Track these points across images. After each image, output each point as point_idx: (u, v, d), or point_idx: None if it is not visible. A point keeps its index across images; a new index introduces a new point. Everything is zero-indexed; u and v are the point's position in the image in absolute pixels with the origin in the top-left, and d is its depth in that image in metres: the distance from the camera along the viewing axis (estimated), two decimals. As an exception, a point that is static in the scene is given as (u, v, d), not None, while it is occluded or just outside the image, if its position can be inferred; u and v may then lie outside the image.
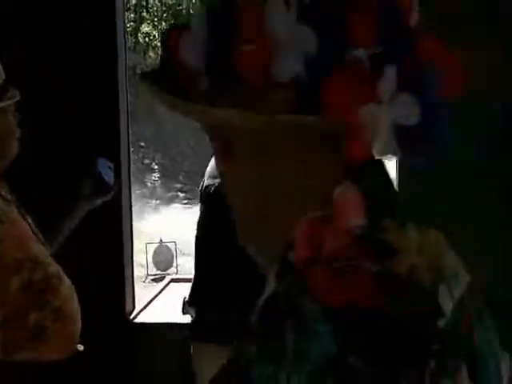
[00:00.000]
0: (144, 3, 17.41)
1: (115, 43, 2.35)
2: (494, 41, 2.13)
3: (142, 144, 13.76)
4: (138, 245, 10.63)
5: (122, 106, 2.44)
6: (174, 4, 18.31)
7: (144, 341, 2.40)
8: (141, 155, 13.43)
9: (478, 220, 2.21)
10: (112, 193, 1.99)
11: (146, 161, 14.13)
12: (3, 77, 1.65)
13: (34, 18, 2.29)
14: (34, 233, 1.73)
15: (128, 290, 2.47)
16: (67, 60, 2.29)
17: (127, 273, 2.46)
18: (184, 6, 18.33)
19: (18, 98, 1.67)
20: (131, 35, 17.76)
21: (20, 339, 1.61)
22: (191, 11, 17.16)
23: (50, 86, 1.87)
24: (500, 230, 2.22)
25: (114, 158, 2.40)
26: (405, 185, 2.20)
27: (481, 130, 2.17)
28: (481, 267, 2.22)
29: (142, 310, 2.53)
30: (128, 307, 2.48)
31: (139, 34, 17.73)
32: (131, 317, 2.47)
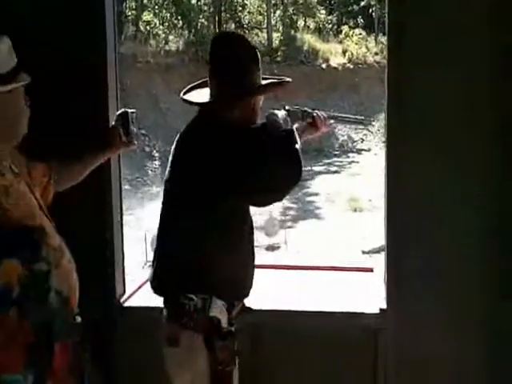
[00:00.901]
0: (145, -10, 17.37)
1: (104, 32, 2.34)
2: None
3: (143, 132, 13.77)
4: (137, 232, 10.75)
5: (112, 92, 2.42)
6: (174, -9, 18.26)
7: (133, 323, 2.42)
8: (141, 142, 13.44)
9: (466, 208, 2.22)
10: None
11: (147, 149, 14.14)
12: (15, 60, 1.76)
13: (18, 8, 2.30)
14: (41, 207, 1.82)
15: (118, 274, 2.50)
16: (52, 51, 2.28)
17: (117, 257, 2.48)
18: (185, -6, 18.32)
19: (28, 81, 1.77)
20: (132, 24, 17.74)
21: None
22: (192, -1, 17.20)
23: (36, 78, 1.87)
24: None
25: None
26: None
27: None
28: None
29: (132, 294, 2.55)
30: (119, 290, 2.50)
31: (140, 23, 17.70)
32: (121, 300, 2.50)
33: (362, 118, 2.41)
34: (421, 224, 2.23)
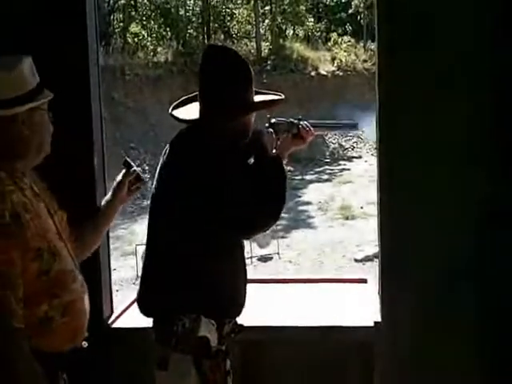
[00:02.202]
0: (133, 2, 17.34)
1: (86, 43, 2.30)
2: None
3: (133, 145, 13.71)
4: (129, 247, 10.68)
5: (95, 109, 2.37)
6: (162, 3, 18.24)
7: (122, 346, 2.36)
8: (131, 156, 13.36)
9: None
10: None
11: (137, 162, 14.07)
12: (38, 78, 1.79)
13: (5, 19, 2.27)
14: (58, 231, 1.82)
15: (105, 295, 2.43)
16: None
17: (104, 277, 2.42)
18: (172, 5, 18.29)
19: (51, 97, 1.80)
20: (120, 36, 17.70)
21: (32, 325, 1.69)
22: (179, 9, 17.15)
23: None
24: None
25: (88, 160, 2.36)
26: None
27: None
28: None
29: (120, 315, 2.48)
30: (106, 312, 2.44)
31: (128, 35, 17.67)
32: (109, 322, 2.43)
33: (350, 121, 2.36)
34: (415, 234, 2.19)
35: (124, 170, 2.11)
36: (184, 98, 2.09)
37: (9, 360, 1.63)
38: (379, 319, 2.24)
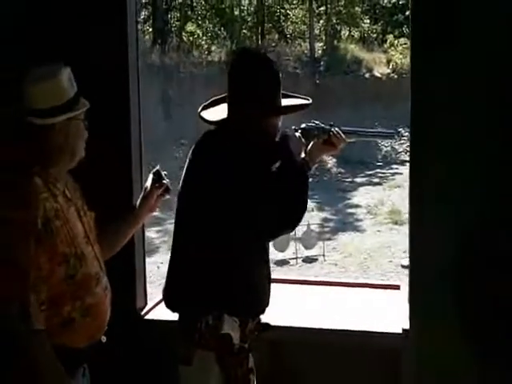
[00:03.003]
0: (189, 2, 17.57)
1: (126, 38, 2.34)
2: None
3: (183, 142, 13.90)
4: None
5: (134, 98, 2.42)
6: (217, 2, 18.41)
7: (153, 337, 2.42)
8: (181, 153, 13.54)
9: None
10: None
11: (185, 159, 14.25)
12: (75, 88, 1.86)
13: (43, 19, 2.34)
14: (86, 234, 1.89)
15: (139, 286, 2.49)
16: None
17: (139, 269, 2.48)
18: (227, 5, 18.45)
19: (88, 107, 1.87)
20: (176, 35, 17.97)
21: (54, 325, 1.78)
22: (234, 10, 17.30)
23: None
24: None
25: (125, 157, 2.42)
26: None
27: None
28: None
29: (154, 307, 2.54)
30: (139, 303, 2.50)
31: (183, 33, 17.92)
32: (142, 313, 2.49)
33: (388, 131, 2.33)
34: (446, 242, 2.16)
35: (153, 179, 2.14)
36: (213, 99, 2.12)
37: (32, 360, 1.70)
38: (408, 326, 2.22)
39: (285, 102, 2.02)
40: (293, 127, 2.12)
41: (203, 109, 2.08)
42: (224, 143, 1.94)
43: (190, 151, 2.03)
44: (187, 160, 2.02)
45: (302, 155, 2.07)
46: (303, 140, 2.10)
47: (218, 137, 1.98)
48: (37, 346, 1.71)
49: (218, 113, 2.02)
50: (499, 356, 2.13)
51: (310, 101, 2.07)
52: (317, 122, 2.17)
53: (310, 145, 2.11)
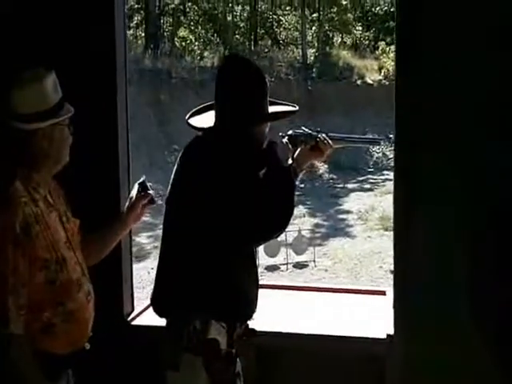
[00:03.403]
0: (182, 7, 17.60)
1: (113, 39, 2.35)
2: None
3: (176, 147, 13.90)
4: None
5: (121, 104, 2.43)
6: (210, 8, 18.45)
7: (140, 343, 2.42)
8: (173, 158, 13.55)
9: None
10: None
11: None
12: (60, 94, 1.86)
13: (30, 23, 2.35)
14: (68, 240, 1.89)
15: (126, 292, 2.50)
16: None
17: (125, 275, 2.49)
18: (220, 11, 18.48)
19: (72, 113, 1.87)
20: (168, 40, 17.99)
21: (34, 330, 1.78)
22: (227, 15, 17.34)
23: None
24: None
25: (112, 163, 2.43)
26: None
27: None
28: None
29: (141, 312, 2.55)
30: (126, 309, 2.51)
31: (176, 39, 17.94)
32: (129, 318, 2.50)
33: (373, 137, 2.35)
34: (431, 247, 2.18)
35: (137, 190, 2.16)
36: (201, 106, 2.14)
37: (10, 365, 1.71)
38: (392, 332, 2.24)
39: (271, 108, 2.04)
40: (280, 134, 2.14)
41: (192, 115, 2.10)
42: (212, 149, 1.96)
43: (179, 156, 2.05)
44: (176, 165, 2.04)
45: (290, 161, 2.09)
46: (290, 146, 2.12)
47: (206, 143, 2.01)
48: (15, 351, 1.72)
49: (207, 119, 2.04)
50: (486, 361, 2.16)
51: (297, 108, 2.10)
52: (304, 129, 2.19)
53: (297, 151, 2.13)
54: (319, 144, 2.14)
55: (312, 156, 2.15)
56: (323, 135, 2.16)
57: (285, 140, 2.12)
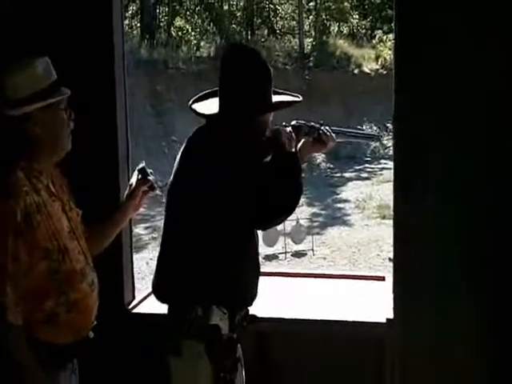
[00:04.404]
0: (177, -4, 17.49)
1: (111, 33, 2.35)
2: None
3: (174, 138, 13.87)
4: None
5: (120, 94, 2.43)
6: (206, -3, 18.36)
7: (141, 330, 2.44)
8: (172, 149, 13.52)
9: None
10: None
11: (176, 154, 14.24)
12: (54, 77, 1.83)
13: (28, 14, 2.35)
14: (72, 229, 1.88)
15: (127, 280, 2.52)
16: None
17: (126, 263, 2.50)
18: (216, 0, 18.39)
19: (68, 94, 1.83)
20: (164, 30, 17.91)
21: (36, 320, 1.79)
22: (223, 5, 17.28)
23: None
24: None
25: (112, 153, 2.43)
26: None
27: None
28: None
29: (142, 301, 2.57)
30: (127, 297, 2.52)
31: (172, 28, 17.86)
32: (130, 307, 2.52)
33: (373, 133, 2.37)
34: (430, 234, 2.20)
35: (138, 177, 2.15)
36: (205, 92, 2.14)
37: (6, 356, 1.71)
38: (392, 316, 2.26)
39: (275, 98, 2.06)
40: (283, 123, 2.15)
41: (194, 102, 2.10)
42: (216, 138, 1.97)
43: (182, 147, 2.06)
44: (179, 155, 2.05)
45: (293, 151, 2.10)
46: (294, 136, 2.13)
47: (210, 132, 2.01)
48: (13, 341, 1.72)
49: (209, 107, 2.04)
50: (484, 344, 2.18)
51: (301, 98, 2.11)
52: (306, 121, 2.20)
53: (301, 142, 2.14)
54: (322, 136, 2.15)
55: (314, 148, 2.17)
56: (326, 128, 2.17)
57: (288, 129, 2.13)
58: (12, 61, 1.83)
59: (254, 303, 2.08)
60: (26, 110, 1.77)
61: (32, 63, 1.81)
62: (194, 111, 2.07)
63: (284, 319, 2.36)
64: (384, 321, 2.27)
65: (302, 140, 2.14)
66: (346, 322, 2.33)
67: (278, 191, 1.93)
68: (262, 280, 2.12)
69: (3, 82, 1.80)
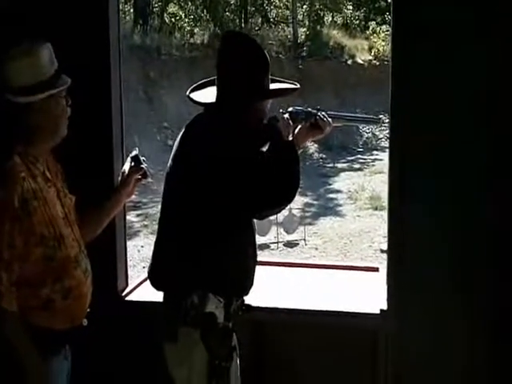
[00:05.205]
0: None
1: (107, 18, 2.32)
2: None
3: (166, 125, 13.82)
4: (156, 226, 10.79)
5: (115, 80, 2.40)
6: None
7: (136, 317, 2.43)
8: (163, 136, 13.48)
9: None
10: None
11: (170, 142, 14.20)
12: (56, 65, 1.83)
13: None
14: (66, 216, 1.88)
15: (120, 268, 2.50)
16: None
17: (119, 251, 2.48)
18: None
19: (69, 84, 1.84)
20: (157, 16, 17.79)
21: (32, 306, 1.79)
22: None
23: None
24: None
25: (106, 140, 2.41)
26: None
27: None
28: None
29: (135, 288, 2.56)
30: (121, 285, 2.51)
31: (165, 15, 17.74)
32: (123, 294, 2.51)
33: (372, 116, 2.36)
34: (423, 224, 2.20)
35: (131, 164, 2.15)
36: (203, 81, 2.13)
37: (2, 341, 1.71)
38: (385, 307, 2.26)
39: (273, 86, 2.05)
40: (280, 110, 2.15)
41: (192, 91, 2.09)
42: (213, 125, 1.96)
43: (180, 134, 2.04)
44: (177, 141, 2.04)
45: (290, 138, 2.10)
46: (291, 122, 2.12)
47: (208, 119, 2.00)
48: (8, 327, 1.72)
49: (207, 95, 2.03)
50: (477, 334, 2.19)
51: (298, 86, 2.10)
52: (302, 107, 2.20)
53: (297, 128, 2.13)
54: (318, 122, 2.15)
55: (311, 134, 2.16)
56: (322, 113, 2.16)
57: (286, 116, 2.12)
58: (12, 46, 1.80)
59: (250, 292, 2.08)
60: (31, 99, 1.77)
61: (36, 50, 1.80)
62: (192, 100, 2.05)
63: (279, 309, 2.37)
64: (378, 311, 2.27)
65: (299, 126, 2.13)
66: (340, 312, 2.33)
67: (275, 180, 1.92)
68: (257, 269, 2.12)
69: (5, 67, 1.79)
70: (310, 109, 2.18)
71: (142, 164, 2.17)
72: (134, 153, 2.19)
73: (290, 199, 1.97)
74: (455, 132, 2.15)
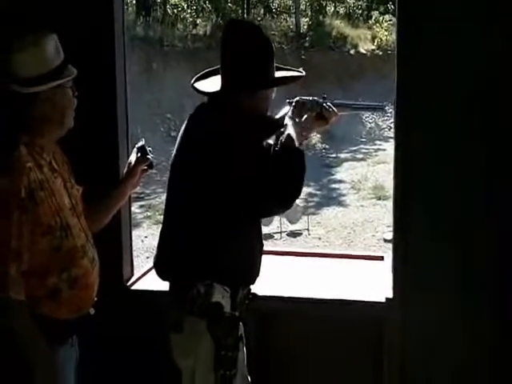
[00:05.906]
0: (173, -26, 17.30)
1: (112, 9, 2.32)
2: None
3: (169, 116, 13.80)
4: (161, 216, 10.81)
5: (119, 71, 2.40)
6: (202, -25, 18.17)
7: (140, 307, 2.44)
8: (166, 127, 13.47)
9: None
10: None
11: (173, 133, 14.19)
12: (62, 56, 1.83)
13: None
14: (73, 206, 1.88)
15: (126, 257, 2.51)
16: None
17: (125, 240, 2.49)
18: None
19: (75, 75, 1.84)
20: (160, 7, 17.73)
21: (39, 296, 1.80)
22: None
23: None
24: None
25: (112, 131, 2.40)
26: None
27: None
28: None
29: (140, 278, 2.57)
30: (126, 274, 2.52)
31: (168, 6, 17.68)
32: (128, 283, 2.52)
33: (377, 103, 2.34)
34: (429, 213, 2.20)
35: (137, 155, 2.15)
36: (207, 70, 2.12)
37: (11, 331, 1.72)
38: (391, 295, 2.27)
39: (278, 74, 2.03)
40: (287, 100, 2.13)
41: (196, 80, 2.08)
42: (218, 115, 1.95)
43: (184, 124, 2.04)
44: (181, 131, 2.03)
45: (297, 131, 2.02)
46: (297, 112, 2.09)
47: (212, 109, 1.99)
48: (15, 316, 1.73)
49: (211, 84, 2.02)
50: (482, 322, 2.20)
51: (304, 73, 2.08)
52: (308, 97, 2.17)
53: (304, 118, 2.10)
54: (324, 111, 2.13)
55: (317, 123, 2.14)
56: (328, 103, 2.14)
57: (293, 104, 2.11)
58: (18, 36, 1.80)
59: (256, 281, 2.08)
60: (36, 89, 1.77)
61: (42, 41, 1.79)
62: (196, 89, 2.05)
63: (285, 298, 2.37)
64: (383, 300, 2.28)
65: (305, 116, 2.11)
66: (346, 300, 2.34)
67: (277, 175, 1.88)
68: (262, 258, 2.12)
69: (12, 58, 1.78)
70: (315, 98, 2.16)
71: (148, 155, 2.17)
72: (140, 143, 2.19)
73: (293, 199, 1.92)
74: (460, 121, 2.14)
